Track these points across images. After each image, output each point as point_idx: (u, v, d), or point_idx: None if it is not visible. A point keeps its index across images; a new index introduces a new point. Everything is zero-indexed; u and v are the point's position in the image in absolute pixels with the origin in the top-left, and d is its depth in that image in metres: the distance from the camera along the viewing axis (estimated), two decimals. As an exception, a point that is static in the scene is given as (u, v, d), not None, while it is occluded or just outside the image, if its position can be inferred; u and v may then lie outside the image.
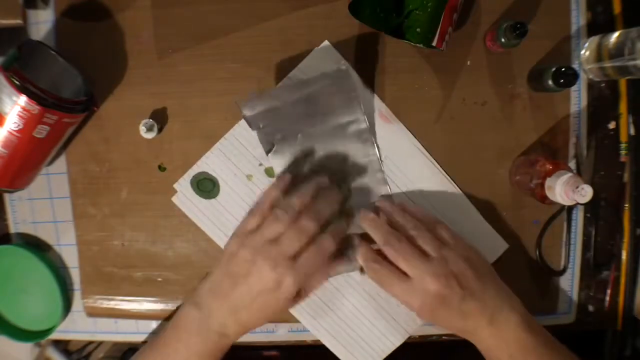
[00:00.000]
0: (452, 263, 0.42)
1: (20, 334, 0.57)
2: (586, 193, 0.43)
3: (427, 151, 0.52)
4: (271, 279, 0.42)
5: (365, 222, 0.48)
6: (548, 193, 0.46)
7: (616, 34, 0.47)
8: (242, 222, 0.47)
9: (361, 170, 0.51)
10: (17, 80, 0.43)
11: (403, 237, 0.44)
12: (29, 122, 0.44)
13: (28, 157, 0.48)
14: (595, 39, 0.49)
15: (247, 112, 0.49)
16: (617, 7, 0.51)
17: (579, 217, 0.52)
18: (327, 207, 0.46)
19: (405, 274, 0.43)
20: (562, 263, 0.53)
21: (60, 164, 0.54)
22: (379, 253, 0.46)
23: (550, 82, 0.47)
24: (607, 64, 0.47)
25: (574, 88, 0.51)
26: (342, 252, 0.49)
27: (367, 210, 0.48)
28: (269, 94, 0.49)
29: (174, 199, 0.53)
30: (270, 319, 0.45)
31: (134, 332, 0.56)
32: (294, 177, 0.50)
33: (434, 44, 0.45)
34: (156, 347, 0.46)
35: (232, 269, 0.44)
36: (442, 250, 0.43)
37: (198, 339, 0.44)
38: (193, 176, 0.53)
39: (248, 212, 0.50)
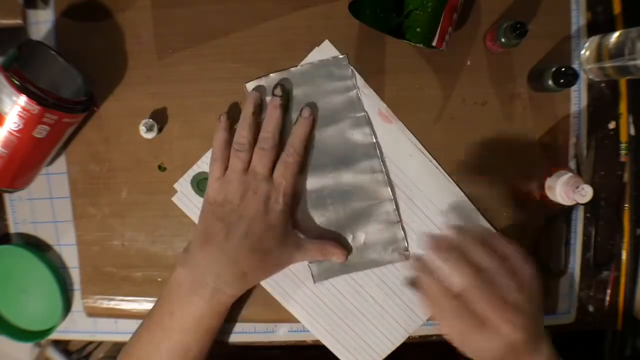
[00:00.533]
0: (526, 307, 0.37)
1: (20, 334, 0.57)
2: (586, 193, 0.43)
3: (427, 151, 0.52)
4: (256, 200, 0.44)
5: (438, 251, 0.39)
6: (548, 193, 0.46)
7: (616, 34, 0.47)
8: (209, 175, 0.49)
9: (362, 170, 0.51)
10: (17, 80, 0.43)
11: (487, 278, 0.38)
12: (29, 122, 0.44)
13: (28, 157, 0.48)
14: (595, 39, 0.49)
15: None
16: (617, 7, 0.51)
17: (579, 217, 0.52)
18: (271, 121, 0.48)
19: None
20: (562, 263, 0.53)
21: (60, 164, 0.54)
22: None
23: (550, 82, 0.47)
24: (607, 64, 0.47)
25: (574, 88, 0.51)
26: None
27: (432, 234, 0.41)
28: (274, 78, 0.50)
29: (174, 199, 0.53)
30: (271, 261, 0.45)
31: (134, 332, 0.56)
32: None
33: (434, 44, 0.45)
34: (149, 318, 0.46)
35: (217, 213, 0.45)
36: (519, 293, 0.38)
37: (192, 299, 0.43)
38: (193, 176, 0.53)
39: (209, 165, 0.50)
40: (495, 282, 0.37)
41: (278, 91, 0.48)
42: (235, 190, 0.46)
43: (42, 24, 0.53)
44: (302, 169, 0.51)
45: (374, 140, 0.51)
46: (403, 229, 0.52)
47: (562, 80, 0.46)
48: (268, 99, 0.50)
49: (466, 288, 0.37)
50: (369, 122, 0.51)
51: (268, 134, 0.47)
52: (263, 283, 0.53)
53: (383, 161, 0.51)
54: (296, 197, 0.50)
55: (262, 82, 0.50)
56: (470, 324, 0.37)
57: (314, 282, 0.52)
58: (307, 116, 0.49)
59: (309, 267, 0.52)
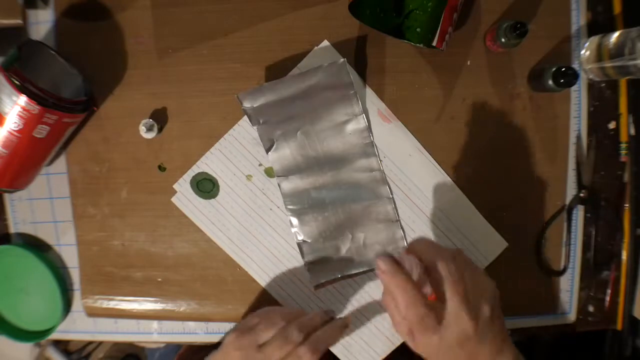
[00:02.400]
0: (485, 303, 0.38)
1: (20, 334, 0.57)
2: None
3: (427, 151, 0.52)
4: None
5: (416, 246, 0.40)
6: None
7: (616, 34, 0.47)
8: (246, 319, 0.47)
9: (360, 169, 0.51)
10: (17, 80, 0.43)
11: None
12: (29, 122, 0.44)
13: (28, 157, 0.48)
14: (595, 39, 0.49)
15: (248, 105, 0.49)
16: (617, 7, 0.51)
17: (579, 217, 0.53)
18: (314, 320, 0.45)
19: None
20: (562, 263, 0.53)
21: (60, 164, 0.54)
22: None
23: (550, 82, 0.47)
24: (607, 64, 0.47)
25: (574, 88, 0.51)
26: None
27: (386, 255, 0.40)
28: (269, 87, 0.49)
29: (174, 200, 0.53)
30: None
31: (134, 332, 0.56)
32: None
33: (434, 44, 0.45)
34: None
35: None
36: (476, 285, 0.38)
37: None
38: (193, 176, 0.53)
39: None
40: (465, 280, 0.37)
41: None
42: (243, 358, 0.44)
43: (42, 24, 0.53)
44: (301, 169, 0.51)
45: (372, 140, 0.51)
46: (402, 228, 0.52)
47: (562, 80, 0.46)
48: (260, 102, 0.49)
49: (444, 276, 0.37)
50: (366, 122, 0.51)
51: (298, 331, 0.43)
52: (263, 283, 0.53)
53: (381, 160, 0.51)
54: None
55: (254, 93, 0.49)
56: (431, 316, 0.37)
57: (313, 284, 0.52)
58: (344, 326, 0.47)
59: (308, 268, 0.52)
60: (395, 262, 0.38)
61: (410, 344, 0.39)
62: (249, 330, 0.44)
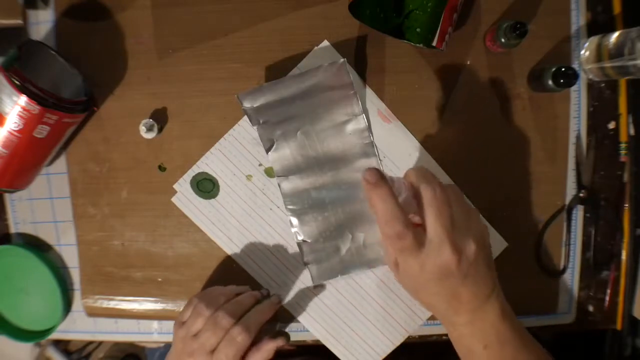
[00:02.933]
0: (470, 240, 0.37)
1: (20, 334, 0.57)
2: None
3: (427, 151, 0.52)
4: None
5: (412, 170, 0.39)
6: None
7: (616, 34, 0.47)
8: (182, 310, 0.48)
9: (360, 169, 0.51)
10: (17, 80, 0.43)
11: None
12: (29, 122, 0.44)
13: (28, 157, 0.48)
14: (595, 39, 0.49)
15: (248, 105, 0.49)
16: (617, 7, 0.51)
17: (579, 217, 0.53)
18: (242, 304, 0.47)
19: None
20: (562, 263, 0.53)
21: (60, 164, 0.54)
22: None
23: (550, 82, 0.47)
24: (607, 64, 0.47)
25: (574, 88, 0.51)
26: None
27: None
28: (269, 87, 0.49)
29: (174, 200, 0.53)
30: None
31: (134, 332, 0.56)
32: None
33: (434, 44, 0.45)
34: None
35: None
36: (465, 221, 0.38)
37: None
38: (193, 176, 0.53)
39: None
40: (453, 211, 0.37)
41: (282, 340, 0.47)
42: (182, 349, 0.46)
43: (42, 24, 0.53)
44: (301, 169, 0.51)
45: (372, 140, 0.51)
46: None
47: (562, 80, 0.46)
48: (260, 102, 0.49)
49: (430, 200, 0.36)
50: (366, 122, 0.51)
51: (230, 317, 0.45)
52: (263, 283, 0.53)
53: (381, 160, 0.51)
54: None
55: (254, 93, 0.49)
56: (409, 236, 0.35)
57: (314, 284, 0.52)
58: (276, 302, 0.50)
59: (308, 268, 0.52)
60: (381, 175, 0.36)
61: (396, 276, 0.39)
62: (183, 321, 0.46)
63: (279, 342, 0.46)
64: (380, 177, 0.36)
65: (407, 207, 0.37)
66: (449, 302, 0.38)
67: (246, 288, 0.50)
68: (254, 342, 0.46)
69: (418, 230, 0.36)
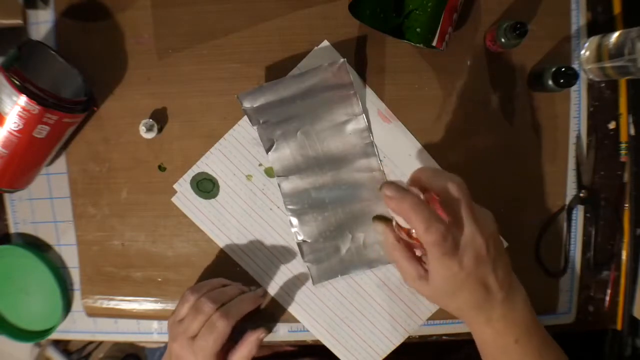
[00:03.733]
0: (489, 222, 0.38)
1: (20, 334, 0.57)
2: None
3: (427, 151, 0.52)
4: (177, 356, 0.46)
5: (419, 173, 0.40)
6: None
7: (616, 34, 0.47)
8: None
9: (360, 169, 0.51)
10: (17, 80, 0.43)
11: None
12: (29, 122, 0.44)
13: (28, 157, 0.48)
14: (595, 39, 0.49)
15: (248, 105, 0.49)
16: (617, 7, 0.51)
17: (579, 217, 0.53)
18: (226, 293, 0.48)
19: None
20: (562, 263, 0.53)
21: (60, 164, 0.54)
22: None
23: (550, 82, 0.47)
24: (607, 64, 0.47)
25: (574, 88, 0.51)
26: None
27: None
28: (269, 87, 0.49)
29: (174, 200, 0.53)
30: None
31: (134, 332, 0.56)
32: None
33: (434, 44, 0.45)
34: None
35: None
36: (478, 207, 0.39)
37: None
38: (193, 176, 0.53)
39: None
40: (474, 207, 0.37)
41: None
42: (170, 335, 0.48)
43: (42, 24, 0.53)
44: (301, 169, 0.51)
45: (372, 140, 0.51)
46: (403, 229, 0.52)
47: (562, 80, 0.46)
48: (260, 102, 0.49)
49: (457, 197, 0.37)
50: (367, 122, 0.51)
51: (211, 303, 0.46)
52: (263, 283, 0.53)
53: (381, 160, 0.51)
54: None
55: (254, 93, 0.49)
56: (450, 236, 0.35)
57: (314, 284, 0.52)
58: (260, 295, 0.51)
59: (308, 268, 0.52)
60: (401, 187, 0.36)
61: (423, 289, 0.39)
62: (174, 310, 0.48)
63: (259, 333, 0.47)
64: (401, 189, 0.36)
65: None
66: (484, 296, 0.38)
67: (237, 284, 0.51)
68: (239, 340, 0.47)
69: (453, 229, 0.36)
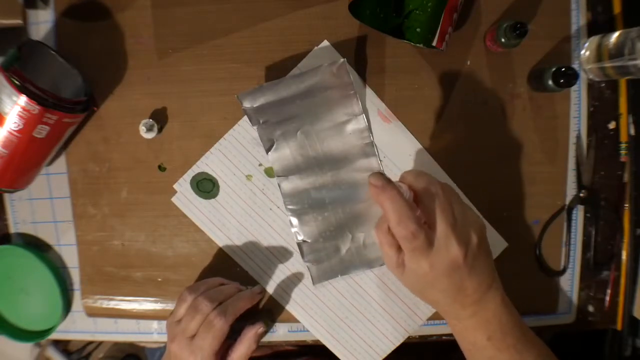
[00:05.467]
0: (472, 232, 0.38)
1: (20, 334, 0.57)
2: None
3: (427, 151, 0.52)
4: (176, 356, 0.46)
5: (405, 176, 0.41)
6: None
7: (616, 34, 0.47)
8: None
9: (360, 169, 0.51)
10: (17, 80, 0.43)
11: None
12: (29, 122, 0.44)
13: (28, 157, 0.48)
14: (595, 39, 0.49)
15: (248, 105, 0.49)
16: (617, 7, 0.51)
17: (579, 217, 0.53)
18: (223, 291, 0.48)
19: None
20: (562, 263, 0.53)
21: (60, 164, 0.54)
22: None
23: (550, 82, 0.47)
24: (607, 64, 0.47)
25: (574, 88, 0.51)
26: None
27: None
28: (269, 87, 0.49)
29: (174, 200, 0.53)
30: None
31: (134, 332, 0.56)
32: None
33: (434, 44, 0.45)
34: None
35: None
36: (464, 216, 0.39)
37: None
38: (193, 176, 0.53)
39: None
40: (453, 208, 0.38)
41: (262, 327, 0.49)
42: (168, 336, 0.48)
43: (42, 24, 0.53)
44: (301, 169, 0.51)
45: (372, 140, 0.51)
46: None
47: (562, 80, 0.46)
48: (260, 102, 0.49)
49: (434, 200, 0.37)
50: (366, 122, 0.51)
51: (208, 302, 0.46)
52: (263, 283, 0.53)
53: (381, 160, 0.51)
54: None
55: (254, 93, 0.49)
56: (422, 235, 0.36)
57: (314, 284, 0.52)
58: (257, 292, 0.51)
59: (308, 268, 0.52)
60: (387, 179, 0.37)
61: (400, 277, 0.40)
62: (172, 311, 0.49)
63: (257, 328, 0.48)
64: (387, 180, 0.37)
65: (413, 208, 0.38)
66: (455, 296, 0.39)
67: (234, 283, 0.51)
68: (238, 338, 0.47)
69: (427, 229, 0.37)
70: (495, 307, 0.40)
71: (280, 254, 0.53)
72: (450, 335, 0.53)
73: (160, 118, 0.53)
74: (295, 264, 0.53)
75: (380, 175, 0.38)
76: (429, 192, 0.37)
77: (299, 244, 0.52)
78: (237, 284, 0.51)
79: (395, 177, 0.51)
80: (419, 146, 0.52)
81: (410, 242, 0.36)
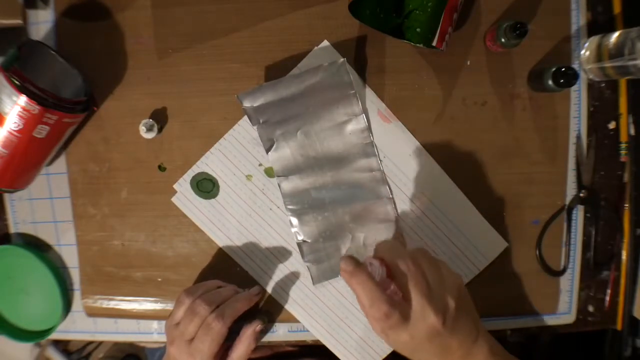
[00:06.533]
0: (448, 297, 0.38)
1: (20, 334, 0.57)
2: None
3: (427, 151, 0.52)
4: (175, 359, 0.46)
5: (379, 247, 0.42)
6: None
7: (616, 34, 0.47)
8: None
9: (360, 169, 0.51)
10: (17, 80, 0.43)
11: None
12: (29, 122, 0.44)
13: (28, 157, 0.48)
14: (595, 39, 0.49)
15: (248, 105, 0.49)
16: (617, 7, 0.51)
17: (579, 217, 0.53)
18: (221, 294, 0.48)
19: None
20: (562, 263, 0.53)
21: (60, 164, 0.54)
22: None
23: (550, 82, 0.47)
24: (607, 64, 0.47)
25: (574, 88, 0.51)
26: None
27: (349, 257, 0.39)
28: (269, 87, 0.49)
29: (174, 200, 0.53)
30: None
31: (134, 332, 0.56)
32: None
33: (434, 44, 0.45)
34: None
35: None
36: (439, 280, 0.39)
37: None
38: (193, 176, 0.53)
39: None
40: (427, 276, 0.38)
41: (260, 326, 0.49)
42: (167, 338, 0.48)
43: (42, 24, 0.53)
44: (301, 169, 0.51)
45: (372, 140, 0.51)
46: (402, 228, 0.52)
47: (562, 80, 0.46)
48: (260, 101, 0.49)
49: (406, 274, 0.37)
50: (366, 122, 0.51)
51: (206, 305, 0.46)
52: (263, 283, 0.53)
53: (381, 160, 0.51)
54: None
55: (254, 93, 0.49)
56: (396, 313, 0.37)
57: (314, 284, 0.52)
58: (255, 293, 0.51)
59: (308, 268, 0.52)
60: (357, 262, 0.38)
61: (386, 341, 0.40)
62: (170, 313, 0.49)
63: (255, 326, 0.48)
64: (355, 265, 0.38)
65: (386, 284, 0.39)
66: (441, 356, 0.39)
67: (232, 285, 0.51)
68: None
69: (402, 304, 0.37)
70: (484, 358, 0.40)
71: (280, 254, 0.53)
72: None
73: (160, 118, 0.53)
74: (295, 264, 0.53)
75: (350, 259, 0.38)
76: (400, 264, 0.38)
77: (299, 244, 0.52)
78: (234, 286, 0.51)
79: (395, 176, 0.51)
80: (419, 146, 0.52)
81: (384, 322, 0.37)
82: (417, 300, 0.37)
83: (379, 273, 0.38)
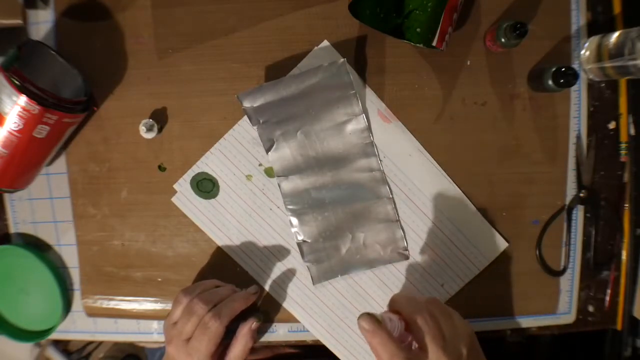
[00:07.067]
0: (462, 345, 0.40)
1: (20, 334, 0.57)
2: None
3: (427, 151, 0.52)
4: (173, 358, 0.46)
5: (392, 303, 0.43)
6: None
7: (616, 34, 0.47)
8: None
9: (360, 169, 0.51)
10: (17, 80, 0.43)
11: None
12: (29, 122, 0.44)
13: (28, 157, 0.48)
14: (595, 39, 0.49)
15: (248, 105, 0.49)
16: (617, 7, 0.51)
17: (579, 217, 0.53)
18: (218, 293, 0.48)
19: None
20: (562, 263, 0.53)
21: (60, 164, 0.54)
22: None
23: (550, 82, 0.47)
24: (607, 64, 0.47)
25: (574, 88, 0.51)
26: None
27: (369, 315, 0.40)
28: (269, 87, 0.49)
29: (174, 200, 0.53)
30: None
31: (134, 332, 0.56)
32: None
33: (434, 44, 0.45)
34: None
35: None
36: (453, 331, 0.40)
37: None
38: (193, 176, 0.53)
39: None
40: (442, 329, 0.40)
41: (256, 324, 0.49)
42: (166, 338, 0.48)
43: (42, 24, 0.53)
44: (301, 169, 0.51)
45: (372, 140, 0.51)
46: (402, 228, 0.52)
47: (562, 80, 0.46)
48: (260, 102, 0.49)
49: (422, 329, 0.39)
50: (366, 122, 0.51)
51: (204, 305, 0.46)
52: (263, 283, 0.53)
53: (381, 160, 0.51)
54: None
55: (254, 93, 0.49)
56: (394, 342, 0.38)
57: (314, 284, 0.52)
58: (252, 292, 0.51)
59: (308, 268, 0.52)
60: (377, 320, 0.39)
61: None
62: (168, 313, 0.49)
63: (250, 323, 0.48)
64: (376, 323, 0.39)
65: (403, 337, 0.40)
66: None
67: (229, 285, 0.51)
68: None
69: (419, 356, 0.38)
70: None
71: (280, 254, 0.53)
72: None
73: (160, 118, 0.53)
74: (295, 264, 0.53)
75: (370, 318, 0.39)
76: (417, 320, 0.39)
77: (299, 244, 0.52)
78: (232, 286, 0.51)
79: (395, 176, 0.51)
80: (419, 146, 0.52)
81: None
82: (433, 352, 0.38)
83: (398, 327, 0.40)
